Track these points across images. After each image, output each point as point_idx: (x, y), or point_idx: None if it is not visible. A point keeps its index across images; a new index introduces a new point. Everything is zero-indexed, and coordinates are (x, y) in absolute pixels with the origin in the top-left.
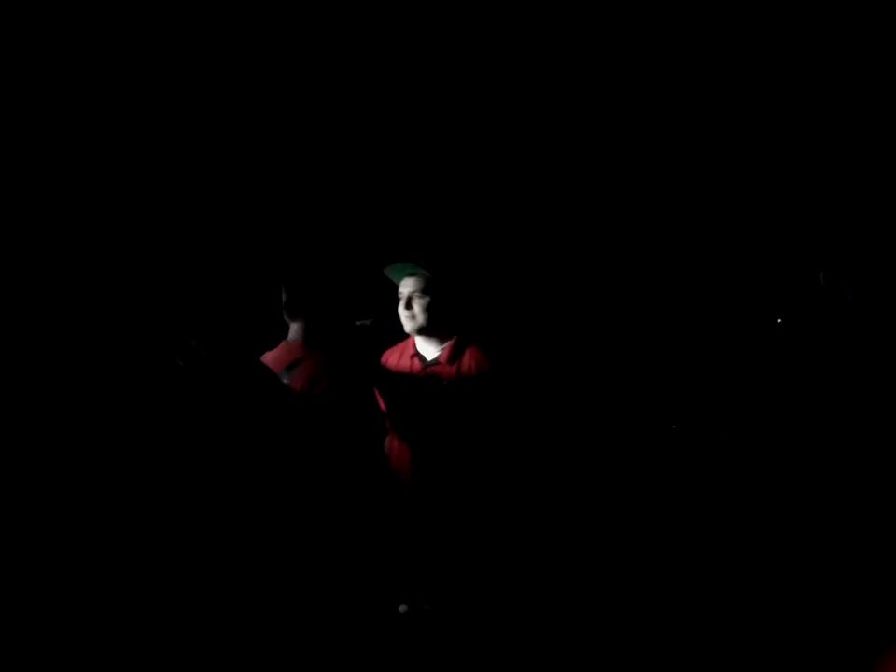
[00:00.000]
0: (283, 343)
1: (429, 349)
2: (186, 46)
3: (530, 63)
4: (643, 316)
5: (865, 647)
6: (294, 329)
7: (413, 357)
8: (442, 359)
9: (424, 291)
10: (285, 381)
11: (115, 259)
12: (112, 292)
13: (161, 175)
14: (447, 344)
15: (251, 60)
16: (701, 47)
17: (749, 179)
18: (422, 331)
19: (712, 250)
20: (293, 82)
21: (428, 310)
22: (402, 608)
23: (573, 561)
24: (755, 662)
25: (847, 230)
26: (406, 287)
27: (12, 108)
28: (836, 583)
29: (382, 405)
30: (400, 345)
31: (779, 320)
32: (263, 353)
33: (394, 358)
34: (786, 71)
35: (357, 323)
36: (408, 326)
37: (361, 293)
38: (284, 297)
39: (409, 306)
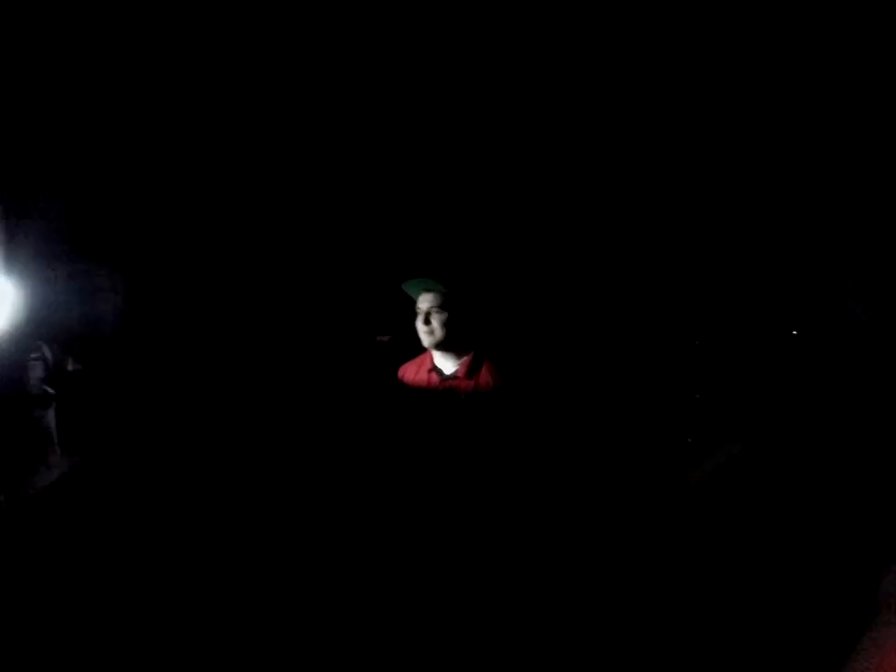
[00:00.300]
0: None
1: (447, 363)
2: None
3: (548, 76)
4: (658, 330)
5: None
6: None
7: (430, 371)
8: (460, 374)
9: (442, 307)
10: None
11: None
12: None
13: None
14: (465, 359)
15: (273, 80)
16: (716, 55)
17: (764, 192)
18: (439, 346)
19: (728, 264)
20: (312, 99)
21: (447, 325)
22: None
23: (581, 570)
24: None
25: (861, 244)
26: (424, 302)
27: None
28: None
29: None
30: (418, 359)
31: (794, 332)
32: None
33: (411, 372)
34: (803, 85)
35: (377, 338)
36: (426, 340)
37: (380, 308)
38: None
39: (427, 321)
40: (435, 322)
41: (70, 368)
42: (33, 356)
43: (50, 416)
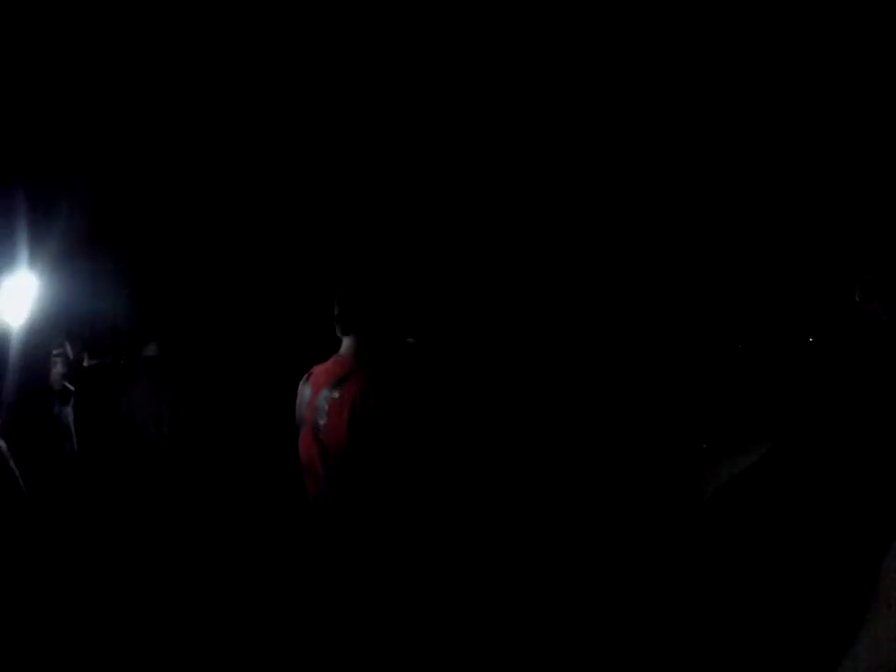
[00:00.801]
0: (334, 356)
1: None
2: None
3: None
4: (675, 335)
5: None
6: (346, 343)
7: None
8: None
9: None
10: (335, 395)
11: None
12: None
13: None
14: None
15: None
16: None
17: (787, 196)
18: None
19: (748, 269)
20: (338, 113)
21: None
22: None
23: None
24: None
25: (883, 246)
26: None
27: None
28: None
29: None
30: None
31: (811, 339)
32: (313, 365)
33: None
34: (830, 90)
35: (410, 340)
36: None
37: (413, 310)
38: (336, 311)
39: None
40: None
41: (86, 364)
42: (55, 352)
43: (69, 411)
